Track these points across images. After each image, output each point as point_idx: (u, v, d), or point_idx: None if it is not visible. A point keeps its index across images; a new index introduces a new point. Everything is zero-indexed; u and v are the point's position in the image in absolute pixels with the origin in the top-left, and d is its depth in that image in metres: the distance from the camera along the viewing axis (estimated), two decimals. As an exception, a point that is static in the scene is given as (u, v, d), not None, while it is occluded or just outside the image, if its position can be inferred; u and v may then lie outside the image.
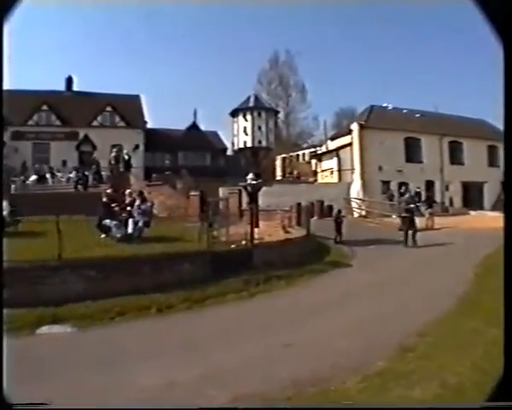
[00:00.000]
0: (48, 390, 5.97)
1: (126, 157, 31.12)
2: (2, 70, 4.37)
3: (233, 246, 14.33)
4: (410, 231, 19.33)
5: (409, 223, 19.63)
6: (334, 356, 7.40)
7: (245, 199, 21.20)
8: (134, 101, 48.80)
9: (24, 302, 9.99)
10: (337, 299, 11.55)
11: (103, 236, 15.01)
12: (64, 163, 42.05)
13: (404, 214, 20.31)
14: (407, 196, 22.16)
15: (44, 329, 9.40)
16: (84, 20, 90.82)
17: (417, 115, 42.69)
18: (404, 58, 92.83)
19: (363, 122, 40.48)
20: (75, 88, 49.76)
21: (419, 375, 6.47)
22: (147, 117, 49.14)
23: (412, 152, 40.87)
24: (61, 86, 49.40)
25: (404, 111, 43.06)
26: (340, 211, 22.87)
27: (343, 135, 43.86)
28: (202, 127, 52.47)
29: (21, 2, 4.28)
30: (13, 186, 29.56)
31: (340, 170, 42.62)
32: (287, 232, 17.46)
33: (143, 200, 16.23)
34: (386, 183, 38.83)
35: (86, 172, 32.16)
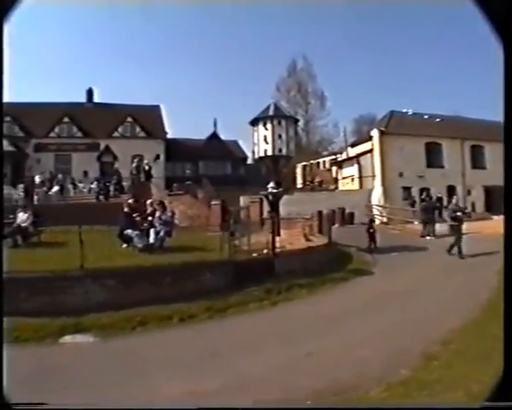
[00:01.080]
0: (70, 399, 6.02)
1: (147, 167, 31.32)
2: (2, 70, 4.42)
3: (254, 255, 14.29)
4: (456, 239, 18.33)
5: (457, 231, 18.75)
6: (357, 365, 7.35)
7: (266, 208, 21.14)
8: (154, 111, 49.14)
9: (47, 312, 10.15)
10: (359, 307, 11.47)
11: (125, 246, 15.09)
12: (85, 174, 42.50)
13: (451, 223, 19.62)
14: (454, 201, 21.12)
15: (67, 338, 9.47)
16: (104, 30, 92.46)
17: (438, 120, 42.39)
18: (421, 62, 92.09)
19: (383, 128, 40.27)
20: (95, 99, 50.41)
21: (443, 384, 6.38)
22: (167, 127, 49.35)
23: (433, 157, 40.45)
24: (82, 98, 50.09)
25: (425, 116, 42.78)
26: (372, 220, 22.63)
27: (363, 142, 43.64)
28: (222, 137, 52.50)
29: (21, 3, 4.32)
30: (35, 197, 29.92)
31: (360, 177, 42.50)
32: (308, 240, 17.39)
33: (164, 210, 16.27)
34: (407, 189, 38.50)
35: (107, 183, 32.40)
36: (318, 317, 10.79)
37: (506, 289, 3.89)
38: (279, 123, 20.65)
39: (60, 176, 36.69)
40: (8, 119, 44.16)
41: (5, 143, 41.85)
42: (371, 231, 21.19)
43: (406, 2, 65.05)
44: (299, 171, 57.86)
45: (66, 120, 46.30)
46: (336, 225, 26.83)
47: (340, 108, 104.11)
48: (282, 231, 18.04)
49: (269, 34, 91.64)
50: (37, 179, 34.89)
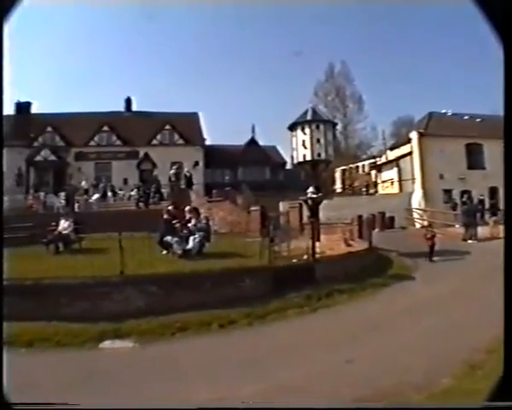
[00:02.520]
0: (108, 404, 6.07)
1: (188, 174, 31.59)
2: (2, 70, 4.47)
3: (294, 261, 14.18)
4: None
5: None
6: (398, 373, 7.21)
7: (305, 213, 21.05)
8: (192, 118, 49.57)
9: (87, 317, 10.29)
10: (400, 313, 11.29)
11: (165, 252, 15.23)
12: (125, 181, 43.17)
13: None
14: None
15: (107, 343, 9.56)
16: (138, 37, 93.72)
17: (478, 120, 41.23)
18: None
19: (422, 130, 39.77)
20: (134, 107, 51.38)
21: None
22: (205, 134, 49.76)
23: (474, 158, 39.54)
24: (120, 107, 50.98)
25: (465, 117, 41.96)
26: (430, 224, 21.66)
27: (402, 144, 43.22)
28: (261, 142, 52.56)
29: (21, 3, 4.36)
30: (76, 205, 30.46)
31: (400, 180, 42.08)
32: (348, 246, 17.24)
33: (198, 216, 16.31)
34: (448, 191, 37.79)
35: (147, 190, 32.79)
36: (359, 323, 10.67)
37: (506, 289, 4.03)
38: (317, 127, 20.55)
39: (102, 184, 37.40)
40: (49, 129, 45.35)
41: (47, 152, 43.03)
42: (430, 236, 19.73)
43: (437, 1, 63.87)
44: (338, 175, 57.58)
45: (105, 128, 47.38)
46: (376, 230, 26.50)
47: (377, 110, 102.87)
48: (321, 237, 17.89)
49: (306, 38, 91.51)
50: (85, 185, 35.69)
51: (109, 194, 36.73)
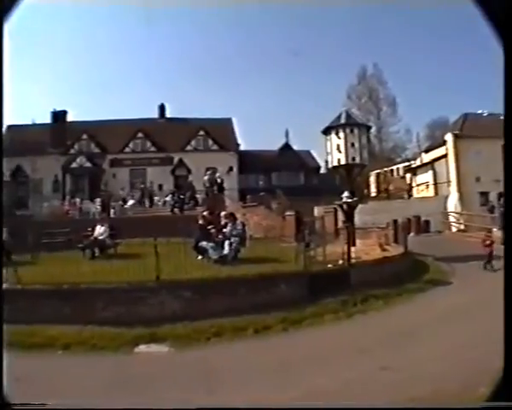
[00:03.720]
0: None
1: (219, 180, 31.70)
2: (2, 70, 4.53)
3: (330, 266, 14.09)
4: None
5: None
6: (434, 380, 7.09)
7: (340, 217, 20.94)
8: (226, 124, 49.78)
9: (123, 321, 10.41)
10: (436, 320, 11.09)
11: (200, 257, 15.32)
12: (160, 187, 43.52)
13: None
14: None
15: (142, 347, 9.65)
16: (169, 44, 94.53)
17: (516, 119, 40.22)
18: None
19: (457, 132, 39.12)
20: (167, 114, 51.96)
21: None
22: (239, 139, 50.07)
23: (512, 160, 38.49)
24: (153, 114, 51.68)
25: (501, 117, 41.02)
26: (490, 230, 20.42)
27: (437, 147, 42.61)
28: (295, 147, 52.63)
29: (21, 3, 4.40)
30: (112, 210, 30.84)
31: (435, 183, 41.41)
32: (384, 250, 17.06)
33: (234, 221, 16.32)
34: (484, 194, 36.92)
35: (182, 196, 32.97)
36: (394, 329, 10.52)
37: (506, 289, 4.05)
38: (351, 131, 20.41)
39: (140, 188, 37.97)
40: (84, 136, 46.17)
41: (83, 159, 43.78)
42: (489, 243, 17.80)
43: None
44: (372, 179, 57.04)
45: (140, 135, 47.98)
46: (412, 234, 26.20)
47: (411, 113, 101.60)
48: (357, 241, 17.78)
49: (338, 41, 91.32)
50: (122, 194, 36.27)
51: (144, 200, 37.12)
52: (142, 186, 40.82)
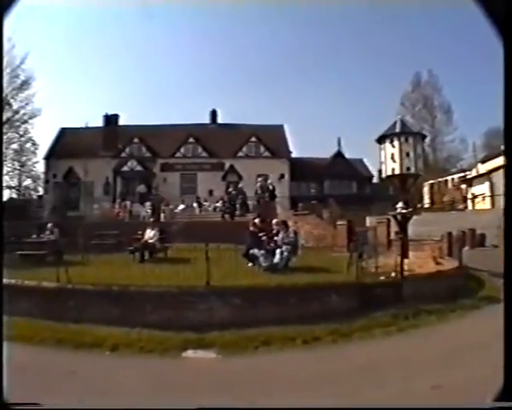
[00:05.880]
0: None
1: (271, 187, 31.73)
2: (1, 67, 4.67)
3: (382, 278, 13.94)
4: None
5: None
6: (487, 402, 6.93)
7: (393, 228, 20.66)
8: (278, 131, 50.07)
9: (171, 326, 10.54)
10: (492, 338, 10.81)
11: (250, 264, 15.39)
12: (210, 193, 43.91)
13: None
14: None
15: (189, 352, 9.69)
16: (232, 48, 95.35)
17: None
18: None
19: (516, 141, 37.93)
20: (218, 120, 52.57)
21: None
22: (291, 146, 50.06)
23: None
24: (204, 119, 52.39)
25: None
26: None
27: (494, 157, 41.49)
28: (347, 155, 52.53)
29: (19, 1, 4.45)
30: (162, 215, 31.25)
31: (492, 195, 40.42)
32: (438, 264, 16.73)
33: (287, 229, 16.30)
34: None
35: (233, 202, 33.09)
36: (447, 346, 10.28)
37: (506, 289, 4.30)
38: (406, 140, 20.01)
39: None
40: (136, 140, 47.05)
41: (134, 163, 44.66)
42: None
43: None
44: (426, 190, 56.13)
45: (191, 140, 48.72)
46: (466, 248, 25.63)
47: (467, 121, 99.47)
48: (410, 254, 17.52)
49: (392, 48, 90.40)
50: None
51: (194, 205, 37.44)
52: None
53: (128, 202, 36.65)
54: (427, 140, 50.86)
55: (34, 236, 20.44)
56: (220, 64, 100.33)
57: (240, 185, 39.14)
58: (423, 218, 28.13)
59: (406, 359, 9.46)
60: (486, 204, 40.82)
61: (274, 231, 16.26)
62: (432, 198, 54.42)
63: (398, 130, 20.11)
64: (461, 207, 44.86)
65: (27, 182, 55.07)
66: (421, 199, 52.89)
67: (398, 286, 13.57)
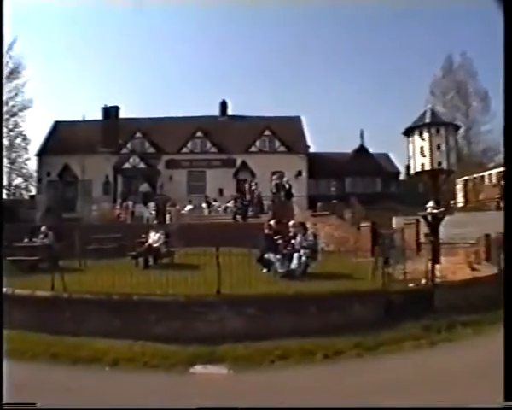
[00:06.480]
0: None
1: (287, 185, 31.61)
2: (2, 60, 4.70)
3: (411, 285, 13.85)
4: None
5: None
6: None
7: (422, 230, 20.50)
8: (294, 123, 49.90)
9: (178, 338, 10.53)
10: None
11: (265, 270, 15.37)
12: (221, 192, 43.88)
13: None
14: None
15: (198, 368, 9.67)
16: (228, 39, 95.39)
17: None
18: None
19: None
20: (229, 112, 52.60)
21: None
22: (309, 140, 49.97)
23: None
24: (214, 112, 52.31)
25: None
26: None
27: (539, 149, 40.97)
28: (370, 149, 51.89)
29: None
30: (168, 216, 31.25)
31: (537, 192, 39.89)
32: (474, 270, 16.58)
33: (305, 232, 16.25)
34: None
35: (245, 202, 33.12)
36: (485, 364, 10.16)
37: (506, 290, 4.48)
38: (437, 132, 19.71)
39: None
40: (138, 134, 46.91)
41: (136, 159, 44.53)
42: None
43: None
44: (459, 187, 55.43)
45: (199, 134, 48.61)
46: (507, 252, 25.34)
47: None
48: (442, 258, 17.39)
49: (419, 31, 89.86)
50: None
51: (203, 205, 37.35)
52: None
53: (130, 203, 36.72)
54: (461, 131, 50.12)
55: (26, 240, 20.27)
56: (230, 52, 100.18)
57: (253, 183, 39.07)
58: (456, 218, 27.90)
59: (438, 376, 9.36)
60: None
61: (291, 234, 16.23)
62: (466, 196, 53.72)
63: (427, 120, 19.89)
64: (500, 206, 44.43)
65: (18, 181, 54.00)
66: (453, 197, 52.39)
67: (430, 295, 13.46)
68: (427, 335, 11.81)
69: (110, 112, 48.97)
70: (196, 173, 47.54)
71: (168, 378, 9.12)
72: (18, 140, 52.03)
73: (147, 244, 18.34)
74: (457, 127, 24.57)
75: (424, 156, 19.46)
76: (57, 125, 50.65)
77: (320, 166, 47.65)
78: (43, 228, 20.83)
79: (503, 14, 3.97)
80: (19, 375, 7.88)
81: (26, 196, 50.33)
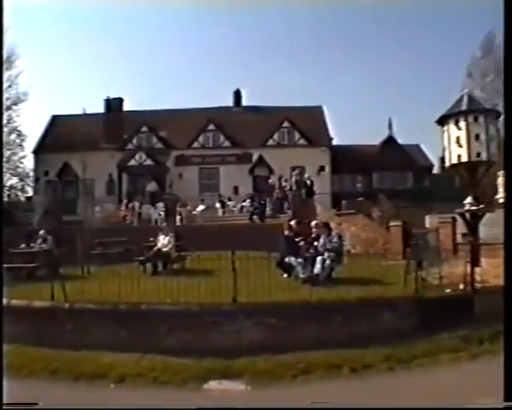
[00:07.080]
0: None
1: (308, 182, 31.55)
2: (2, 56, 4.71)
3: (447, 291, 13.76)
4: None
5: None
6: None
7: (459, 229, 20.34)
8: (315, 113, 49.77)
9: (191, 351, 10.50)
10: None
11: (285, 276, 15.39)
12: (236, 190, 43.83)
13: None
14: None
15: (213, 384, 9.64)
16: (245, 25, 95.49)
17: None
18: None
19: None
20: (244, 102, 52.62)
21: None
22: (332, 132, 49.72)
23: None
24: (228, 102, 52.36)
25: None
26: None
27: None
28: (400, 140, 51.52)
29: None
30: (178, 217, 31.31)
31: None
32: (518, 273, 16.48)
33: (329, 233, 16.19)
34: None
35: (263, 201, 33.06)
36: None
37: (506, 289, 4.72)
38: (476, 119, 19.33)
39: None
40: (144, 129, 46.75)
41: (142, 156, 44.50)
42: None
43: None
44: (500, 181, 54.81)
45: (211, 127, 48.59)
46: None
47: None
48: (482, 260, 17.26)
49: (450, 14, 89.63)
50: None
51: (217, 205, 37.27)
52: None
53: (136, 204, 36.70)
54: (502, 118, 49.58)
55: (23, 245, 20.37)
56: (245, 35, 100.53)
57: (271, 180, 38.96)
58: (498, 216, 27.68)
59: (479, 392, 9.26)
60: None
61: (313, 235, 16.19)
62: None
63: (464, 107, 19.56)
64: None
65: (13, 181, 52.50)
66: (494, 193, 51.90)
67: (469, 301, 13.31)
68: (466, 346, 11.66)
69: (113, 104, 48.90)
70: (209, 170, 47.61)
71: (180, 395, 9.12)
72: (12, 136, 50.62)
73: (155, 248, 18.35)
74: (499, 114, 24.16)
75: (461, 147, 19.13)
76: (55, 120, 50.77)
77: (344, 160, 47.40)
78: (41, 232, 20.86)
79: (504, 14, 4.02)
80: (15, 393, 7.92)
81: (23, 198, 49.74)
